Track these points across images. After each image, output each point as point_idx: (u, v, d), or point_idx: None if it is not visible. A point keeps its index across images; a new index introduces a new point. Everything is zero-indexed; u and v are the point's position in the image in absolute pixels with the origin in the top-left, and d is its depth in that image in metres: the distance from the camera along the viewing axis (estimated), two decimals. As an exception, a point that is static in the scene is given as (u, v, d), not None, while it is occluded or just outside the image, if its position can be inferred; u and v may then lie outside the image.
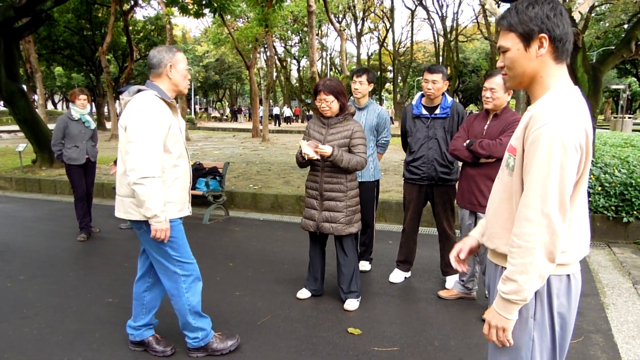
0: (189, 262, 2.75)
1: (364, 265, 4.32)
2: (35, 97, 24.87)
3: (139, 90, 2.61)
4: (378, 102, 45.59)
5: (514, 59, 1.43)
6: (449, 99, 3.80)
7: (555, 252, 1.34)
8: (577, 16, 10.03)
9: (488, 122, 3.35)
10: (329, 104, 3.32)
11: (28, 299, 3.67)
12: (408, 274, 4.17)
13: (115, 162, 5.91)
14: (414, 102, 3.90)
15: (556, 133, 1.29)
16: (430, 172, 3.77)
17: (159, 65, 2.61)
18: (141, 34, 26.83)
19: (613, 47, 6.78)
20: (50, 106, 44.90)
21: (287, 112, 39.55)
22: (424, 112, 3.80)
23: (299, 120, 41.10)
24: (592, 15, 24.63)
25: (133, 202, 2.56)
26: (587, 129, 1.33)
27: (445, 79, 3.70)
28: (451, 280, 3.89)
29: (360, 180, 3.98)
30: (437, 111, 3.76)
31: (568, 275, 1.48)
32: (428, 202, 3.99)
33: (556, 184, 1.30)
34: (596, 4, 21.19)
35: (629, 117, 27.69)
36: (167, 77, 2.63)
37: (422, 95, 3.84)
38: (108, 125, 25.52)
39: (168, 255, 2.67)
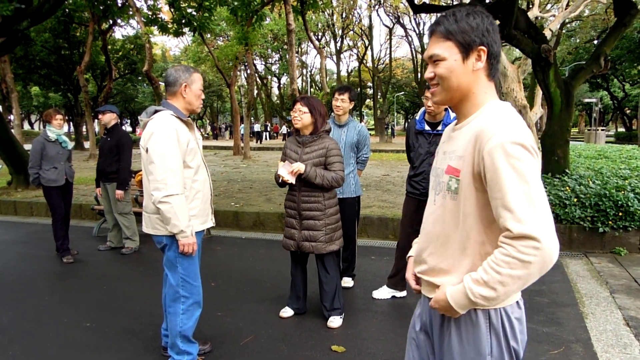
0: (193, 283, 2.79)
1: (347, 282, 4.32)
2: (11, 117, 24.42)
3: (156, 111, 2.70)
4: (358, 118, 45.97)
5: (451, 69, 1.34)
6: (452, 115, 3.81)
7: (550, 265, 1.21)
8: (548, 33, 10.37)
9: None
10: (300, 114, 3.33)
11: (2, 325, 3.56)
12: (403, 294, 4.07)
13: (97, 184, 5.82)
14: (417, 117, 3.91)
15: (508, 140, 1.23)
16: None
17: (175, 84, 2.71)
18: (120, 53, 26.68)
19: (584, 62, 6.99)
20: (26, 126, 44.14)
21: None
22: (427, 127, 3.79)
23: (279, 138, 41.15)
24: (563, 31, 25.49)
25: (159, 219, 2.65)
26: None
27: None
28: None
29: (341, 197, 4.00)
30: (440, 127, 3.75)
31: (517, 302, 1.41)
32: None
33: (536, 189, 1.21)
34: (566, 21, 21.93)
35: (602, 130, 28.47)
36: (182, 96, 2.72)
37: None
38: (86, 144, 25.18)
39: (176, 271, 2.73)
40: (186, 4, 11.36)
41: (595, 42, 25.55)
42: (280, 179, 3.29)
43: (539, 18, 13.30)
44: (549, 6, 22.29)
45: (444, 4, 21.98)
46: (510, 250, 1.20)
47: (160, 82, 15.95)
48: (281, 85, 42.49)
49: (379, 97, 39.33)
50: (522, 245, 1.19)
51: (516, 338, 1.38)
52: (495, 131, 1.26)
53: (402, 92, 45.65)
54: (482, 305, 1.30)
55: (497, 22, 6.32)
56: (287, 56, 11.18)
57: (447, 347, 1.43)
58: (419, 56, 36.97)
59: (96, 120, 22.77)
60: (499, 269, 1.22)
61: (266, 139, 38.40)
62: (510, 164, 1.22)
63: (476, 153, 1.29)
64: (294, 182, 3.29)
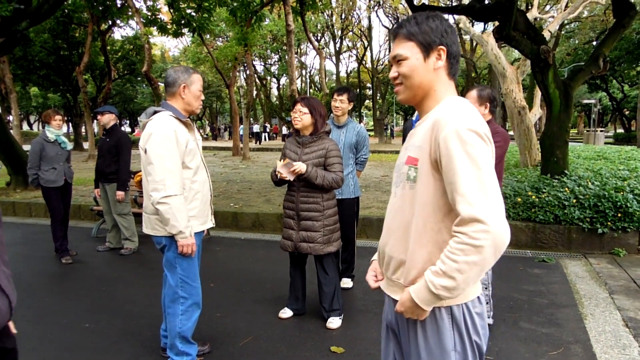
0: (192, 284, 2.79)
1: (346, 283, 4.31)
2: (10, 118, 24.41)
3: (155, 112, 2.70)
4: (358, 119, 45.90)
5: (413, 67, 1.41)
6: None
7: (502, 248, 1.26)
8: (547, 34, 10.37)
9: None
10: (301, 114, 3.34)
11: (1, 327, 3.55)
12: None
13: (96, 185, 5.82)
14: (414, 118, 3.92)
15: (462, 127, 1.29)
16: None
17: (174, 84, 2.71)
18: (119, 54, 26.67)
19: (583, 64, 6.99)
20: (25, 127, 44.14)
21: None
22: None
23: (279, 138, 41.17)
24: (562, 32, 25.52)
25: (158, 219, 2.65)
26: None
27: None
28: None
29: (340, 198, 4.00)
30: None
31: (478, 297, 1.43)
32: None
33: (488, 174, 1.27)
34: (565, 22, 21.96)
35: (601, 130, 28.56)
36: (180, 96, 2.73)
37: None
38: (85, 145, 25.18)
39: (175, 272, 2.73)
40: (185, 5, 11.37)
41: (594, 43, 25.59)
42: (279, 176, 3.30)
43: (538, 19, 13.31)
44: (547, 7, 22.33)
45: (443, 5, 22.01)
46: (463, 238, 1.25)
47: (159, 83, 15.96)
48: (280, 86, 42.47)
49: (378, 98, 39.34)
50: (472, 230, 1.24)
51: (478, 332, 1.41)
52: (450, 119, 1.32)
53: (401, 93, 45.58)
54: (445, 297, 1.32)
55: (497, 23, 6.33)
56: (287, 57, 11.21)
57: (413, 345, 1.46)
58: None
59: (95, 121, 22.77)
60: (455, 257, 1.26)
61: (265, 139, 38.45)
62: (463, 150, 1.27)
63: (432, 140, 1.35)
64: (291, 180, 3.29)
